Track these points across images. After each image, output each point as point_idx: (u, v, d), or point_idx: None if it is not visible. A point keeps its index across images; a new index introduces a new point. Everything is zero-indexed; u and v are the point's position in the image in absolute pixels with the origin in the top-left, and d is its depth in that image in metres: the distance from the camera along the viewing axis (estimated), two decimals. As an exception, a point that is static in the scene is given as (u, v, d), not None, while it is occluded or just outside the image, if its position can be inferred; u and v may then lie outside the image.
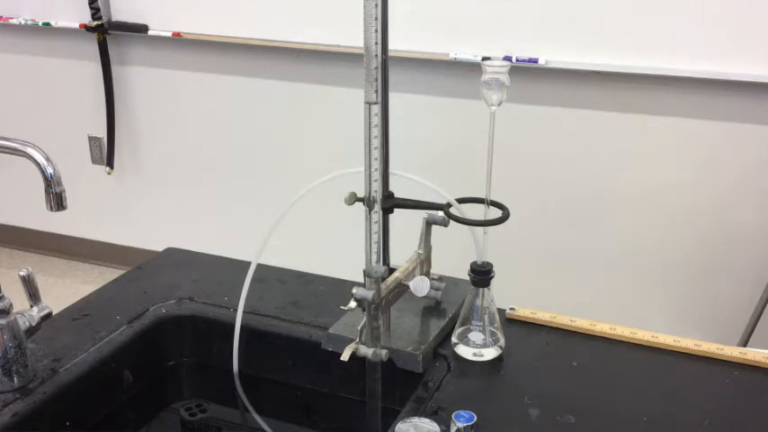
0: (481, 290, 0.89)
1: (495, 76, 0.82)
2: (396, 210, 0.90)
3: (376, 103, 0.79)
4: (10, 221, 3.21)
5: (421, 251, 0.95)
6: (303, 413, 1.02)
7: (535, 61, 2.15)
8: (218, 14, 2.51)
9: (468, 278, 0.90)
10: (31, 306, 0.87)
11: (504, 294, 0.98)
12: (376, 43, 0.77)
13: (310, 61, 2.49)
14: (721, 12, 1.97)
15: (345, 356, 0.84)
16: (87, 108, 2.86)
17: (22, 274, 0.84)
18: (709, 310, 2.29)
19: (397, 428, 0.75)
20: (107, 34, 2.69)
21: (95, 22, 2.64)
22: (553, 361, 0.91)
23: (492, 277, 0.89)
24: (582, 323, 0.96)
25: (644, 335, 0.94)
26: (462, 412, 0.76)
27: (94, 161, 2.96)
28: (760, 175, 2.12)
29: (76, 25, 2.69)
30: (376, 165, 0.81)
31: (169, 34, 2.59)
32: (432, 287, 0.93)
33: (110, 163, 2.90)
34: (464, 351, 0.91)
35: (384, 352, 0.86)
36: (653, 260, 2.29)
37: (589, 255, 2.37)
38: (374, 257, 0.83)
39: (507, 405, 0.83)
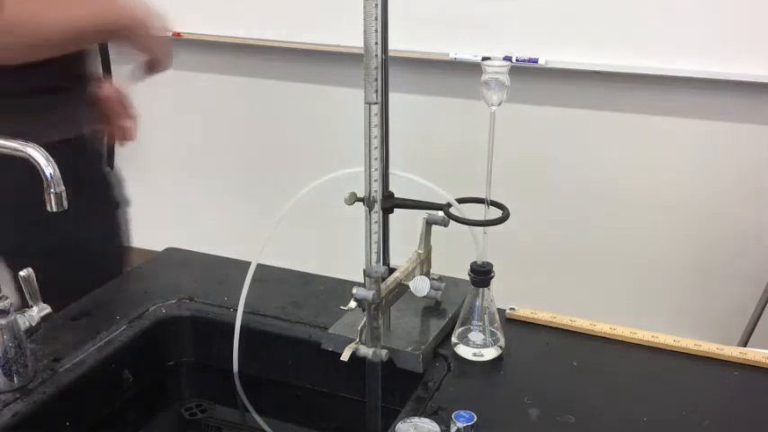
0: (481, 290, 0.89)
1: (495, 76, 0.82)
2: (396, 210, 0.90)
3: (376, 103, 0.79)
4: (10, 221, 3.21)
5: (421, 251, 0.95)
6: (303, 413, 1.02)
7: (535, 61, 2.15)
8: (218, 14, 2.51)
9: (468, 278, 0.90)
10: (31, 306, 0.87)
11: (504, 294, 0.98)
12: (376, 43, 0.77)
13: (310, 61, 2.49)
14: (721, 12, 1.97)
15: (345, 356, 0.84)
16: (87, 108, 2.85)
17: (22, 274, 0.84)
18: (709, 310, 2.29)
19: (397, 428, 0.75)
20: (107, 34, 2.69)
21: (95, 22, 2.64)
22: (553, 361, 0.91)
23: (492, 277, 0.89)
24: (582, 323, 0.96)
25: (644, 335, 0.94)
26: (462, 412, 0.76)
27: (94, 161, 2.96)
28: (760, 176, 2.12)
29: (76, 25, 2.69)
30: (376, 165, 0.81)
31: (169, 34, 2.59)
32: (432, 287, 0.93)
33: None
34: (464, 351, 0.91)
35: (384, 352, 0.86)
36: (653, 260, 2.29)
37: (589, 255, 2.37)
38: (374, 257, 0.83)
39: (507, 405, 0.83)
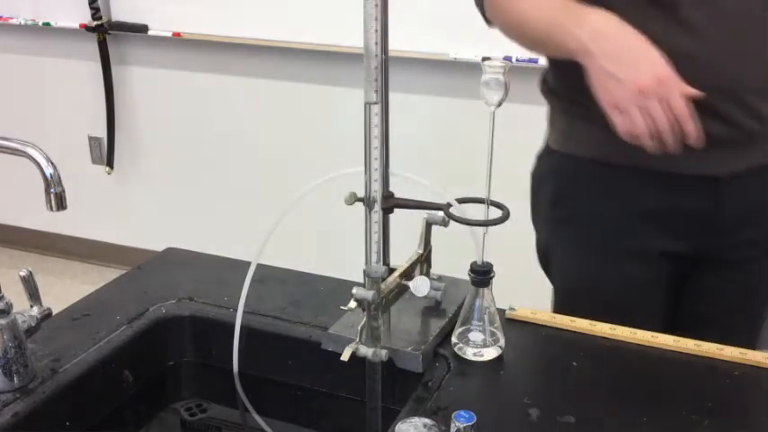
0: (481, 290, 0.89)
1: (495, 76, 0.82)
2: (396, 210, 0.90)
3: (376, 103, 0.79)
4: (10, 221, 3.21)
5: (421, 251, 0.95)
6: (303, 413, 1.02)
7: (535, 61, 2.15)
8: (218, 14, 2.51)
9: (468, 278, 0.90)
10: (31, 306, 0.87)
11: (504, 294, 0.98)
12: (376, 43, 0.77)
13: (310, 61, 2.49)
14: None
15: (345, 356, 0.84)
16: (87, 108, 2.86)
17: (22, 274, 0.84)
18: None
19: (397, 428, 0.75)
20: (107, 34, 2.69)
21: (95, 22, 2.64)
22: (553, 361, 0.91)
23: (492, 277, 0.89)
24: (582, 323, 0.96)
25: (644, 335, 0.94)
26: (462, 412, 0.76)
27: (94, 161, 2.96)
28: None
29: (76, 25, 2.69)
30: (376, 165, 0.81)
31: (169, 34, 2.59)
32: (432, 287, 0.93)
33: (110, 163, 2.90)
34: (464, 351, 0.91)
35: (384, 352, 0.86)
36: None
37: (589, 255, 2.37)
38: (374, 257, 0.83)
39: (507, 405, 0.83)
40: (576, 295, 1.02)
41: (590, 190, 1.12)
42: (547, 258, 1.22)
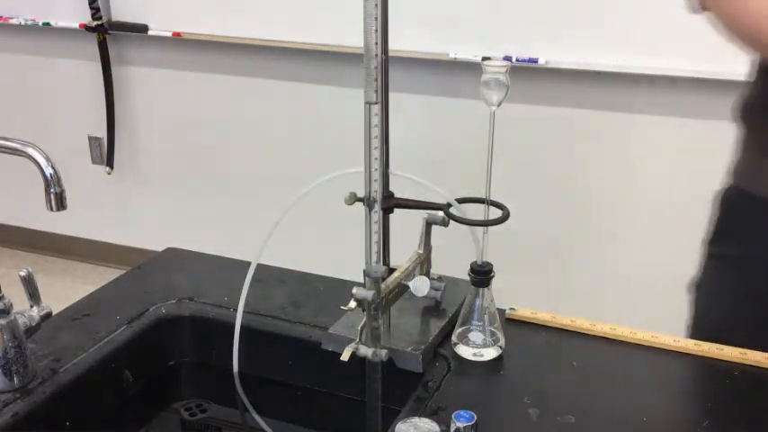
0: (481, 290, 0.89)
1: (495, 76, 0.82)
2: (396, 210, 0.90)
3: (376, 103, 0.79)
4: (10, 221, 3.21)
5: (421, 251, 0.95)
6: (303, 413, 1.02)
7: (535, 61, 2.15)
8: (218, 14, 2.51)
9: (468, 278, 0.90)
10: (31, 306, 0.87)
11: (504, 294, 0.98)
12: (376, 43, 0.77)
13: (310, 61, 2.49)
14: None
15: (345, 356, 0.84)
16: (87, 108, 2.86)
17: (22, 274, 0.84)
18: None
19: (397, 428, 0.75)
20: (107, 34, 2.69)
21: (95, 22, 2.65)
22: (553, 361, 0.91)
23: (492, 277, 0.89)
24: (582, 323, 0.96)
25: (644, 335, 0.94)
26: (462, 412, 0.76)
27: (94, 161, 2.96)
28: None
29: (76, 25, 2.69)
30: (376, 165, 0.81)
31: (169, 34, 2.59)
32: (432, 287, 0.93)
33: (110, 163, 2.90)
34: (464, 351, 0.91)
35: (384, 352, 0.86)
36: (653, 260, 2.29)
37: (589, 254, 2.37)
38: (374, 257, 0.83)
39: (507, 405, 0.83)
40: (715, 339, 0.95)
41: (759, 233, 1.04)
42: (697, 284, 1.17)
